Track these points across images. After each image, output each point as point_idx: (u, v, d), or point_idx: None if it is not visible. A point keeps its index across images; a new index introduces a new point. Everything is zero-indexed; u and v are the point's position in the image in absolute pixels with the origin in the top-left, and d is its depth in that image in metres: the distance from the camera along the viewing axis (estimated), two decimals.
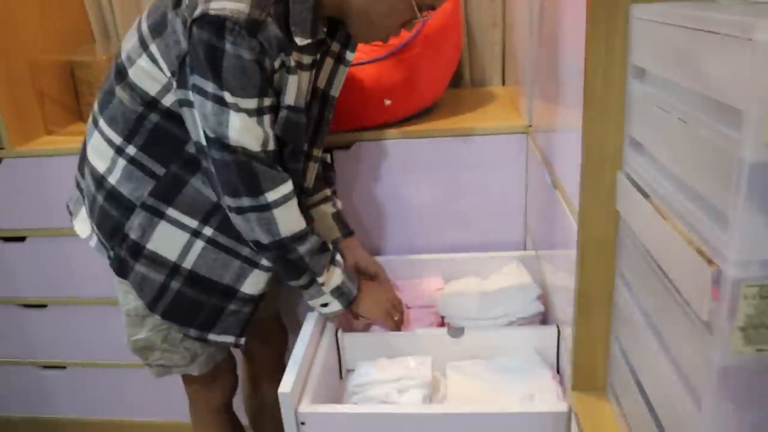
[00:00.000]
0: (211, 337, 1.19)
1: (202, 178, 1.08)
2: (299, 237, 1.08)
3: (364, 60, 1.42)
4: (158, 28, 1.03)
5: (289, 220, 1.07)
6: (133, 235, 1.11)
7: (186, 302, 1.15)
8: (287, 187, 1.05)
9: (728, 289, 0.47)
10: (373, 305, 1.21)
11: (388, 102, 1.43)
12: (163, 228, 1.10)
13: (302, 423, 0.99)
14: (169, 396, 1.81)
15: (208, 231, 1.12)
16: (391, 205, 1.52)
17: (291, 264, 1.10)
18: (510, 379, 1.12)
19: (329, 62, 1.17)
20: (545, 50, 1.15)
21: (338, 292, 1.16)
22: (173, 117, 1.05)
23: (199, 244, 1.12)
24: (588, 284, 0.81)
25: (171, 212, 1.09)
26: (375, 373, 1.10)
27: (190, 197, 1.09)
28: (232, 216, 1.06)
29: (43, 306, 1.78)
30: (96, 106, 1.14)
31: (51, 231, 1.68)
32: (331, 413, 0.99)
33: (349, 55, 1.19)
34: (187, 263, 1.12)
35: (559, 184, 1.03)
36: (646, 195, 0.66)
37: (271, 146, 1.04)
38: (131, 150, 1.08)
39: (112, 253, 1.15)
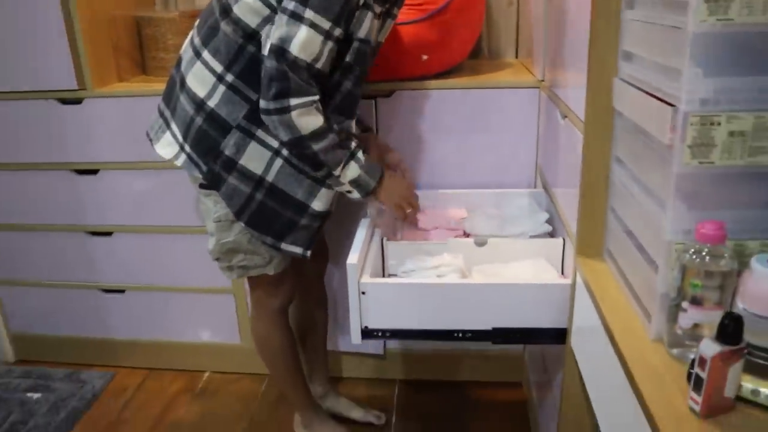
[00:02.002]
0: (283, 246, 1.42)
1: None
2: (316, 135, 1.27)
3: (406, 21, 1.68)
4: None
5: (307, 122, 1.25)
6: (228, 152, 1.34)
7: (267, 212, 1.38)
8: (310, 98, 1.25)
9: (680, 119, 0.75)
10: (386, 197, 1.42)
11: (424, 57, 1.69)
12: (253, 147, 1.34)
13: (363, 292, 1.25)
14: (210, 317, 2.07)
15: (285, 151, 1.35)
16: (424, 147, 1.78)
17: (308, 158, 1.31)
18: (524, 275, 1.38)
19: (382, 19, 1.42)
20: (556, 26, 1.42)
21: (355, 183, 1.36)
22: None
23: (278, 161, 1.35)
24: (590, 168, 1.08)
25: (259, 133, 1.33)
26: (418, 264, 1.36)
27: None
28: (262, 115, 1.27)
29: (109, 234, 2.03)
30: (198, 40, 1.38)
31: (122, 164, 1.93)
32: (387, 283, 1.26)
33: (396, 11, 1.45)
34: (270, 176, 1.36)
35: (569, 112, 1.29)
36: (632, 86, 0.94)
37: (319, 65, 1.24)
38: (230, 77, 1.32)
39: (206, 168, 1.37)
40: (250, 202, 1.37)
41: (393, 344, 2.04)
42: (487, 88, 1.72)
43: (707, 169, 0.77)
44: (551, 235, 1.54)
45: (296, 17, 1.21)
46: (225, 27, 1.32)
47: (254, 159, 1.35)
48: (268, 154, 1.35)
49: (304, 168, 1.37)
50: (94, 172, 1.96)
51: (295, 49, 1.21)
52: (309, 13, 1.20)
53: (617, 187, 1.06)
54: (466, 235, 1.58)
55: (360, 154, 1.36)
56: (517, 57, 2.17)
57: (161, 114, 1.49)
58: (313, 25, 1.21)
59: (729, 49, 0.73)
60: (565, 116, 1.34)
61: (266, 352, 1.63)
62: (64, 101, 1.89)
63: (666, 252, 0.83)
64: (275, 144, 1.35)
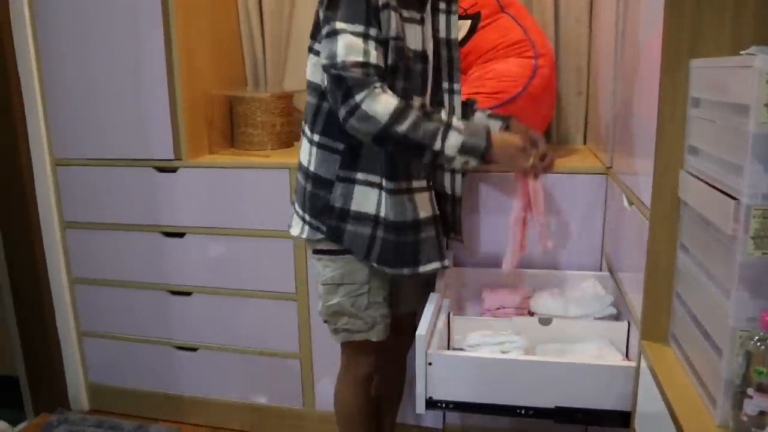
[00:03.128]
0: (422, 269, 1.44)
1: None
2: (396, 117, 1.27)
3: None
4: (314, 30, 1.40)
5: (379, 107, 1.27)
6: (338, 204, 1.42)
7: (392, 246, 1.40)
8: (372, 86, 1.27)
9: (743, 212, 0.81)
10: (501, 153, 1.37)
11: None
12: (358, 190, 1.41)
13: (430, 363, 1.30)
14: (276, 381, 2.14)
15: (385, 183, 1.39)
16: (492, 227, 1.85)
17: (406, 147, 1.31)
18: (589, 355, 1.40)
19: (443, 18, 1.50)
20: (623, 117, 1.49)
21: (463, 151, 1.32)
22: None
23: (384, 195, 1.39)
24: (655, 254, 1.12)
25: (359, 176, 1.41)
26: (483, 339, 1.41)
27: (367, 159, 1.39)
28: (346, 127, 1.30)
29: (188, 294, 2.16)
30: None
31: (205, 230, 2.07)
32: (454, 356, 1.30)
33: (454, 6, 1.51)
34: (382, 212, 1.40)
35: (635, 199, 1.34)
36: (697, 179, 0.99)
37: (374, 60, 1.28)
38: (317, 137, 1.43)
39: (324, 227, 1.45)
40: (373, 241, 1.42)
41: (452, 418, 2.05)
42: (556, 173, 1.79)
43: None
44: (616, 318, 1.55)
45: (332, 34, 1.29)
46: (308, 96, 1.45)
47: (363, 201, 1.41)
48: (374, 192, 1.41)
49: (402, 188, 1.41)
50: (181, 235, 2.11)
51: (340, 55, 1.27)
52: (340, 25, 1.28)
53: (682, 273, 1.09)
54: (531, 314, 1.62)
55: (455, 121, 1.34)
56: (585, 143, 2.24)
57: (293, 204, 1.58)
58: (347, 32, 1.28)
59: None
60: (632, 203, 1.39)
61: (344, 415, 1.66)
62: (161, 169, 2.07)
63: (730, 339, 0.86)
64: (377, 179, 1.40)
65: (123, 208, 2.13)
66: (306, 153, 1.47)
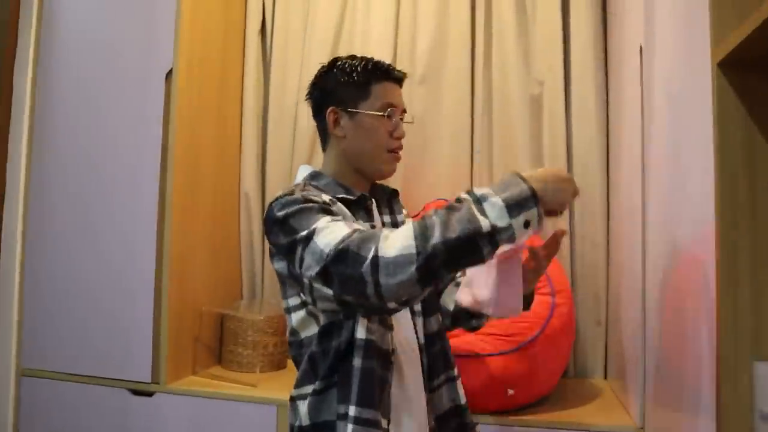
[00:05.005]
0: None
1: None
2: (421, 232, 0.96)
3: (494, 352, 1.61)
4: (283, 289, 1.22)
5: (400, 238, 0.98)
6: None
7: None
8: (378, 237, 1.01)
9: None
10: (551, 188, 0.99)
11: (511, 392, 1.58)
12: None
13: None
14: None
15: (352, 410, 1.11)
16: None
17: (453, 255, 0.95)
18: None
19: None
20: (659, 355, 1.30)
21: (512, 208, 0.94)
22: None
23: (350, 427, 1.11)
24: None
25: (352, 411, 1.11)
26: None
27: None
28: (382, 294, 0.99)
29: None
30: None
31: None
32: None
33: (401, 217, 1.34)
34: None
35: None
36: None
37: (358, 226, 1.07)
38: (294, 392, 1.20)
39: None
40: None
41: None
42: (574, 430, 1.56)
43: None
44: None
45: (301, 242, 1.08)
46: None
47: None
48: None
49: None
50: None
51: (328, 247, 1.03)
52: (302, 234, 1.08)
53: None
54: None
55: (475, 189, 0.99)
56: (605, 377, 2.04)
57: None
58: (316, 231, 1.06)
59: None
60: None
61: None
62: (136, 392, 1.85)
63: None
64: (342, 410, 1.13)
65: None
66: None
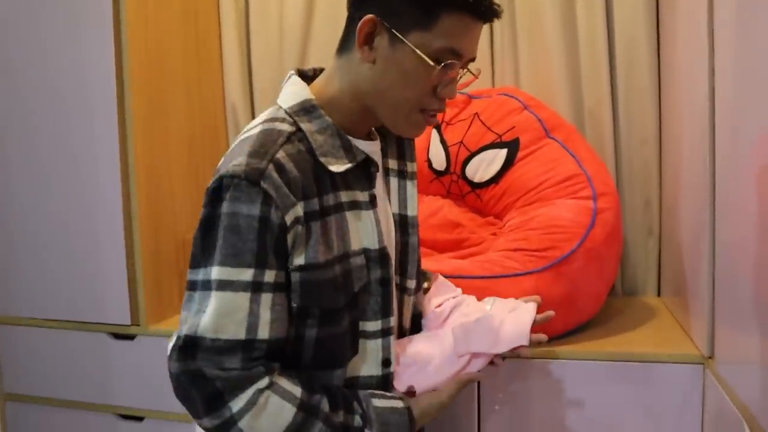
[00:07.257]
0: None
1: None
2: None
3: (521, 271, 1.32)
4: None
5: (270, 422, 0.86)
6: None
7: None
8: (256, 386, 0.85)
9: None
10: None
11: (550, 313, 1.29)
12: None
13: None
14: None
15: None
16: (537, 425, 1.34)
17: None
18: None
19: (394, 183, 1.05)
20: (734, 270, 1.00)
21: None
22: None
23: None
24: None
25: None
26: None
27: None
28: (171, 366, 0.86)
29: None
30: None
31: (168, 415, 1.63)
32: None
33: (411, 166, 1.08)
34: None
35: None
36: None
37: (264, 335, 0.85)
38: None
39: None
40: None
41: None
42: (623, 361, 1.28)
43: None
44: None
45: (205, 286, 0.86)
46: None
47: None
48: None
49: None
50: (140, 419, 1.66)
51: (208, 324, 0.83)
52: (216, 272, 0.84)
53: None
54: None
55: (357, 420, 0.92)
56: (659, 294, 1.73)
57: None
58: (226, 285, 0.84)
59: None
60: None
61: None
62: (117, 336, 1.65)
63: None
64: None
65: (73, 382, 1.70)
66: None
